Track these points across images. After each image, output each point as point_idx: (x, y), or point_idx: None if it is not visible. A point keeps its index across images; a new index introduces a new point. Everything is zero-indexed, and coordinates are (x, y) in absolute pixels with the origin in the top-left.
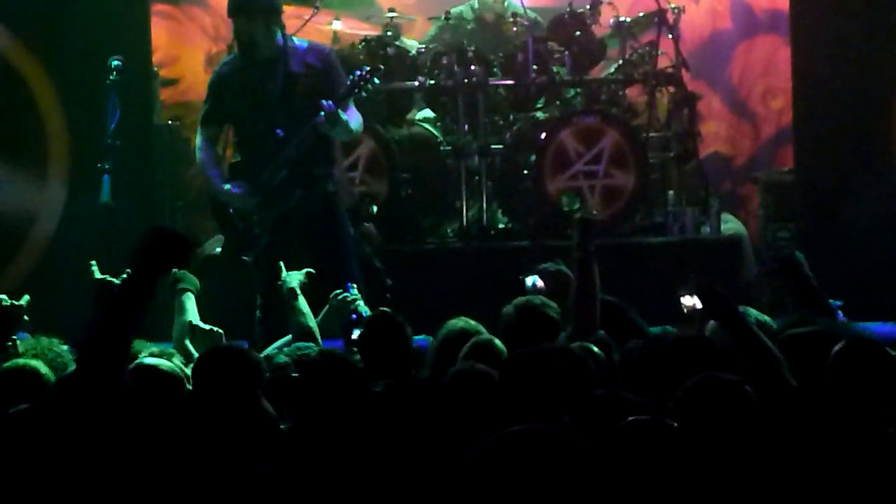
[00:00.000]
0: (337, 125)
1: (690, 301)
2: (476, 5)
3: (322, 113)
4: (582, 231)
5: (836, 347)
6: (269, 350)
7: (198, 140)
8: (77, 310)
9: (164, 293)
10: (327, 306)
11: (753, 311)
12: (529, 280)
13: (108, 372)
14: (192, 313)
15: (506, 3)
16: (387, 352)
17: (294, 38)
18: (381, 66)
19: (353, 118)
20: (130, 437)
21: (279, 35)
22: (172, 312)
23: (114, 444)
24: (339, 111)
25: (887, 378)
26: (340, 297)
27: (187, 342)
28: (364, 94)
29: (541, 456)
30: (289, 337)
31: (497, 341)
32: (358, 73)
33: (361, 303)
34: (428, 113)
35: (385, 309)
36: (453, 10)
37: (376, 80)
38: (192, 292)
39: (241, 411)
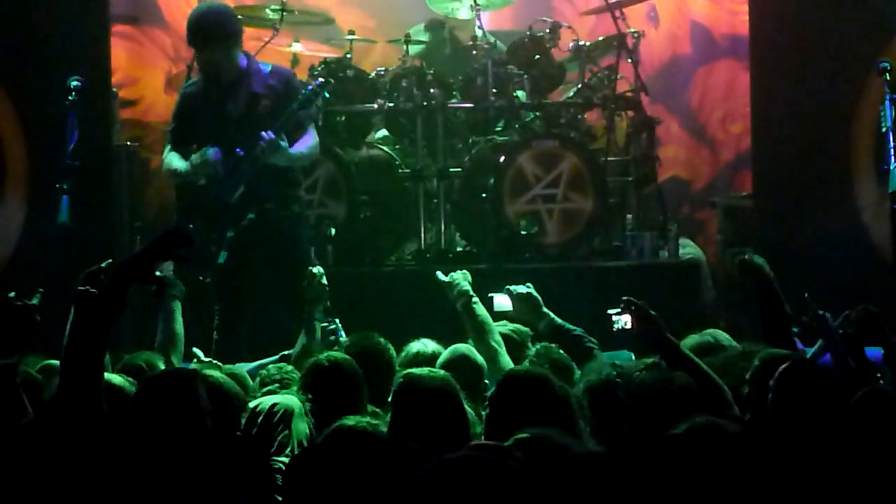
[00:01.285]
0: (276, 153)
1: (622, 320)
2: (447, 29)
3: (262, 142)
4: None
5: (780, 369)
6: (251, 367)
7: (165, 154)
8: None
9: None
10: (302, 335)
11: (723, 335)
12: (497, 300)
13: (86, 387)
14: (180, 325)
15: (476, 29)
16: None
17: (259, 61)
18: (331, 80)
19: (307, 143)
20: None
21: (241, 57)
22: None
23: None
24: (281, 140)
25: (828, 400)
26: (320, 327)
27: (173, 357)
28: (316, 107)
29: (482, 483)
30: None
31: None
32: (309, 87)
33: (342, 331)
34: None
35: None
36: (421, 32)
37: (326, 94)
38: (180, 300)
39: (184, 441)
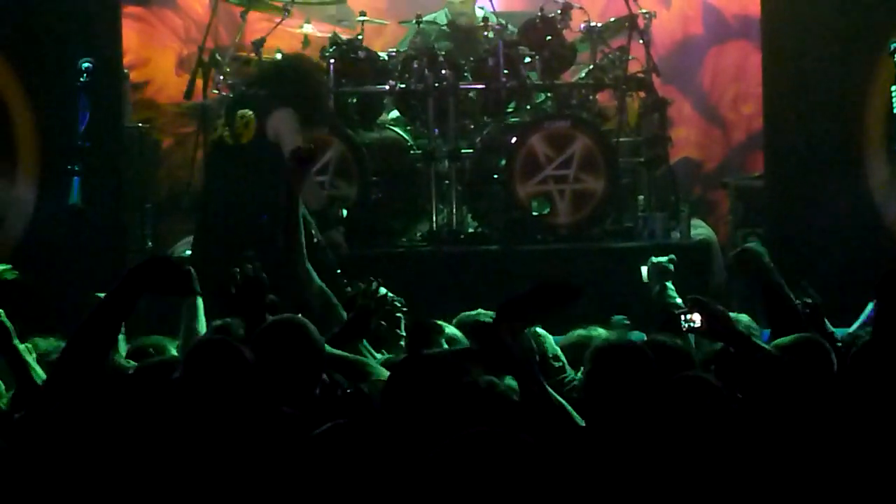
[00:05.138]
0: None
1: (691, 319)
2: (449, 12)
3: None
4: None
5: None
6: None
7: None
8: (45, 310)
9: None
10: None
11: (744, 318)
12: (644, 270)
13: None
14: (202, 324)
15: (477, 8)
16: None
17: None
18: None
19: None
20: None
21: None
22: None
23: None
24: None
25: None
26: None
27: None
28: None
29: (497, 457)
30: None
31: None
32: None
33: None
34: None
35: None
36: (427, 17)
37: None
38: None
39: (232, 405)
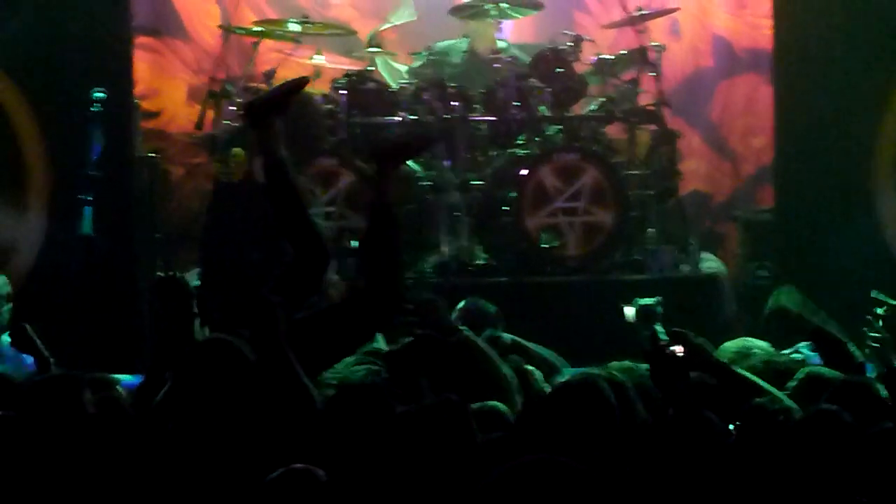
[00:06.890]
0: None
1: (677, 350)
2: (467, 41)
3: None
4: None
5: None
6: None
7: None
8: (56, 340)
9: None
10: None
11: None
12: (627, 310)
13: None
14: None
15: (499, 41)
16: None
17: None
18: None
19: None
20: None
21: None
22: None
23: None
24: None
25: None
26: None
27: None
28: None
29: (551, 486)
30: None
31: None
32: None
33: None
34: None
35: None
36: (442, 45)
37: None
38: None
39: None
